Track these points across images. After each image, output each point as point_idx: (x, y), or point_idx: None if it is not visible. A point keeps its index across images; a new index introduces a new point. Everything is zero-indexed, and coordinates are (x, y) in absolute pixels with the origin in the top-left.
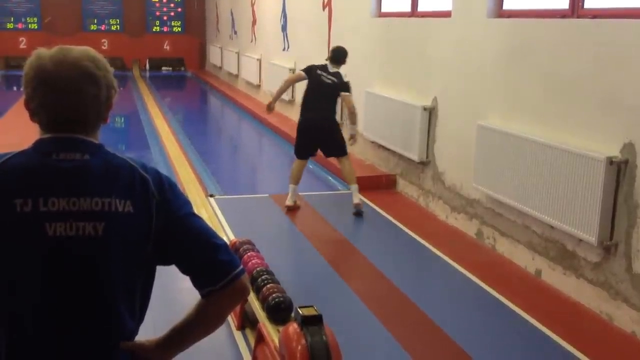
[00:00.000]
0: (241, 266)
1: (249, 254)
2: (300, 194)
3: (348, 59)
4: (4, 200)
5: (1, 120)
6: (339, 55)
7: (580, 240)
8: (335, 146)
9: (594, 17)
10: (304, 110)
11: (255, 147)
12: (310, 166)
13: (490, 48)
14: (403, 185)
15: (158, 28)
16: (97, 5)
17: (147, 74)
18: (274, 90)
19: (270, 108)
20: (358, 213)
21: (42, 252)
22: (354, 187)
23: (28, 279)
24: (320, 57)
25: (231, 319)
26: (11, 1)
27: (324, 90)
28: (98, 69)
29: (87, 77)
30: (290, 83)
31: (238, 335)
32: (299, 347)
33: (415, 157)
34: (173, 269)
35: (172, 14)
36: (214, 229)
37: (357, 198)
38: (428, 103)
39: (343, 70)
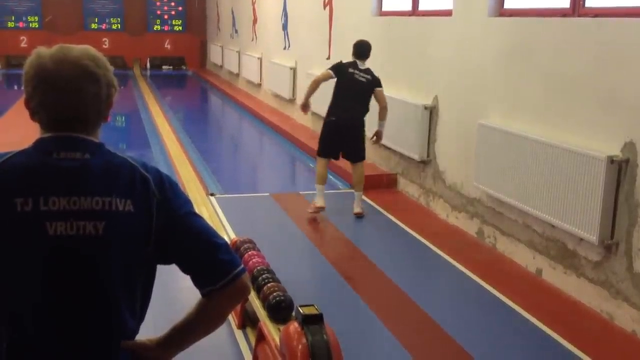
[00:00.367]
0: (242, 265)
1: (249, 252)
2: (300, 192)
3: (349, 58)
4: (5, 200)
5: (2, 119)
6: (365, 50)
7: (581, 239)
8: (359, 149)
9: (595, 16)
10: (335, 109)
11: (256, 146)
12: (311, 165)
13: (491, 47)
14: (404, 184)
15: (159, 27)
16: (98, 4)
17: (148, 72)
18: (274, 89)
19: (306, 106)
20: (358, 214)
21: (43, 252)
22: (359, 194)
23: (28, 278)
24: (321, 56)
25: (232, 318)
26: (12, 0)
27: (358, 89)
28: (98, 68)
29: (88, 75)
30: (319, 83)
31: (239, 334)
32: (300, 346)
33: (416, 156)
34: (174, 268)
35: (173, 12)
36: (214, 228)
37: (359, 207)
38: (429, 102)
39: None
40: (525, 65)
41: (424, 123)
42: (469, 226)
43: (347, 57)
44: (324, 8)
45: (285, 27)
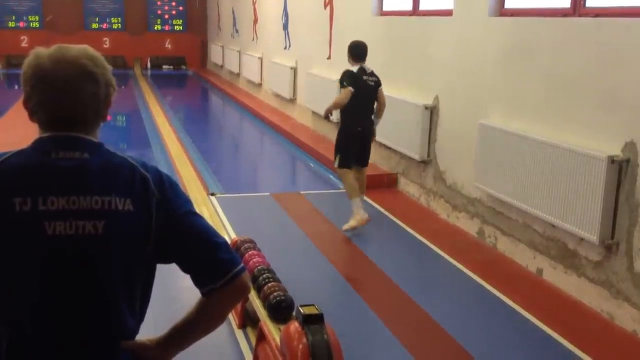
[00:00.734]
0: (241, 264)
1: (250, 252)
2: (301, 192)
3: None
4: (3, 200)
5: (3, 119)
6: (365, 51)
7: (582, 239)
8: (368, 155)
9: (596, 16)
10: (358, 118)
11: (257, 146)
12: (312, 164)
13: (491, 47)
14: (404, 184)
15: (159, 26)
16: (99, 3)
17: (149, 72)
18: (275, 88)
19: (329, 114)
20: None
21: (42, 251)
22: (361, 198)
23: (27, 278)
24: (321, 56)
25: (232, 318)
26: (13, 0)
27: (370, 93)
28: (96, 67)
29: (86, 75)
30: (345, 104)
31: (239, 333)
32: (300, 346)
33: (416, 155)
34: (174, 267)
35: (174, 12)
36: (214, 227)
37: (356, 218)
38: (429, 102)
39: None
40: (525, 65)
41: (425, 123)
42: (469, 226)
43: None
44: (325, 8)
45: (285, 27)
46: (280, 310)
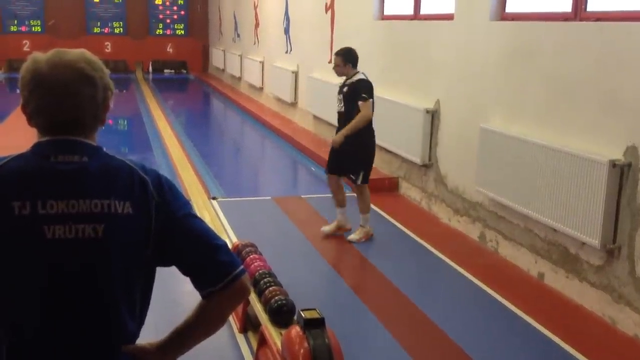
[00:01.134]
0: (241, 266)
1: (251, 256)
2: (302, 196)
3: None
4: (3, 204)
5: (5, 123)
6: (357, 57)
7: (583, 243)
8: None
9: (597, 20)
10: (371, 129)
11: (258, 150)
12: (313, 168)
13: (492, 51)
14: (406, 188)
15: (161, 31)
16: (101, 8)
17: (150, 76)
18: (276, 92)
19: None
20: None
21: (41, 255)
22: (344, 209)
23: (27, 281)
24: (322, 60)
25: (233, 322)
26: (15, 4)
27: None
28: (94, 71)
29: (84, 78)
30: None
31: (240, 338)
32: (302, 350)
33: (417, 159)
34: (175, 270)
35: (175, 16)
36: (215, 230)
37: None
38: (430, 106)
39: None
40: (527, 69)
41: (426, 127)
42: (470, 230)
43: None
44: (326, 12)
45: (287, 30)
46: (282, 315)
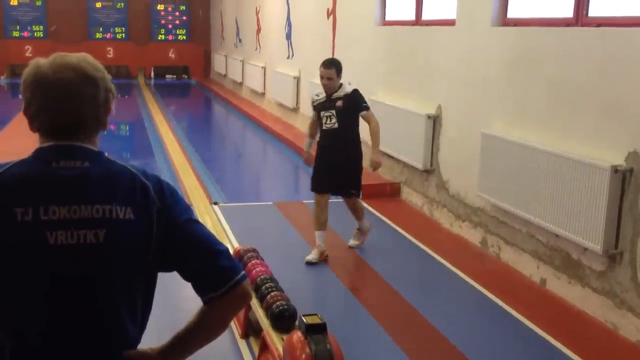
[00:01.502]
0: (243, 272)
1: (253, 261)
2: (304, 201)
3: (352, 67)
4: (5, 210)
5: (6, 128)
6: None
7: (585, 248)
8: None
9: (598, 25)
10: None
11: (260, 155)
12: None
13: (494, 56)
14: (407, 194)
15: (163, 36)
16: (103, 13)
17: (152, 82)
18: (278, 98)
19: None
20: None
21: (44, 261)
22: (324, 233)
23: (29, 287)
24: None
25: (235, 327)
26: (17, 10)
27: None
28: (96, 72)
29: (85, 78)
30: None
31: (242, 343)
32: (303, 356)
33: (419, 165)
34: (176, 276)
35: (177, 22)
36: (216, 236)
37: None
38: (432, 111)
39: (348, 78)
40: (528, 74)
41: (428, 132)
42: (472, 235)
43: (351, 66)
44: (328, 17)
45: (288, 36)
46: (283, 320)
